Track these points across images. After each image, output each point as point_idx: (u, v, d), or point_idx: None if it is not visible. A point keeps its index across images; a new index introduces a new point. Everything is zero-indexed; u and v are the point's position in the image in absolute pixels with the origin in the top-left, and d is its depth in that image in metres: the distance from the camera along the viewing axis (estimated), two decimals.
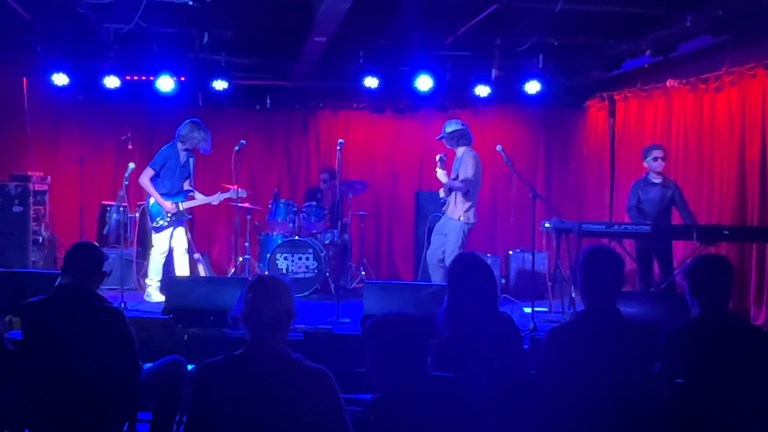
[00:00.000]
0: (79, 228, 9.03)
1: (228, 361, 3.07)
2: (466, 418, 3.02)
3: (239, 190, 8.36)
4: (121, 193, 7.73)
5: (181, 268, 8.18)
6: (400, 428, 2.99)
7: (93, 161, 10.33)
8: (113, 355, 4.05)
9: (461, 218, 7.81)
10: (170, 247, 8.17)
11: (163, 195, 8.00)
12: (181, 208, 8.11)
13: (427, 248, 8.13)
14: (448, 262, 7.81)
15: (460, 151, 7.97)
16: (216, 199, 8.43)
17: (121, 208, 8.94)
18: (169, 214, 8.03)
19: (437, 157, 7.88)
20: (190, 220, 8.58)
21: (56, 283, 4.18)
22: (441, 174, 7.86)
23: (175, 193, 8.09)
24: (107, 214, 9.57)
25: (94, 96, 10.00)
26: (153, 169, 8.01)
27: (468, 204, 7.83)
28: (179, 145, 8.06)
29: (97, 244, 4.54)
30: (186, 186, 8.24)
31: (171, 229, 8.13)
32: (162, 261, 8.15)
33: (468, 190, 7.82)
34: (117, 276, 7.94)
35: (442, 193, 8.10)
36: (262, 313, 3.07)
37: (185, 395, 4.51)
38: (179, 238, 8.22)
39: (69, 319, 4.03)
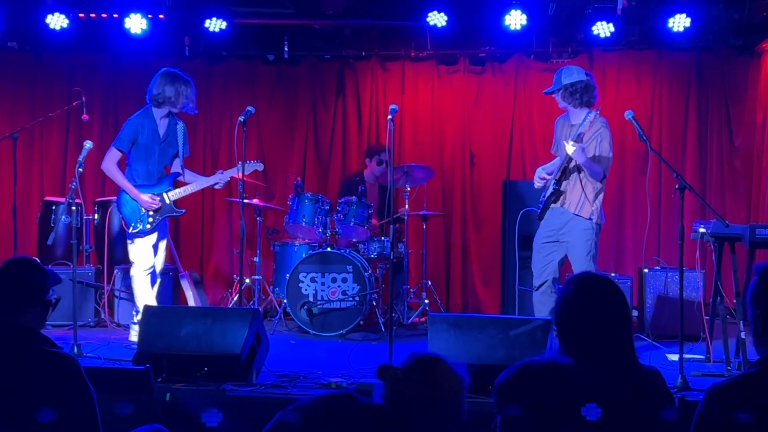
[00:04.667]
0: (11, 236, 9.13)
1: None
2: None
3: (255, 162, 8.42)
4: (72, 185, 7.74)
5: (147, 294, 8.09)
6: None
7: (32, 138, 10.48)
8: (64, 423, 4.07)
9: (593, 217, 7.69)
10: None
11: (139, 186, 7.99)
12: (167, 201, 8.06)
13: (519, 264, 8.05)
14: None
15: (581, 115, 7.78)
16: (219, 179, 8.26)
17: (74, 208, 8.95)
18: (150, 213, 7.99)
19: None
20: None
21: None
22: (572, 148, 7.51)
23: (156, 180, 8.09)
24: (53, 216, 9.66)
25: (32, 43, 10.15)
26: (119, 149, 8.01)
27: (601, 196, 7.71)
28: (155, 111, 8.05)
29: (38, 261, 4.57)
30: (174, 168, 8.23)
31: (155, 234, 8.07)
32: (148, 281, 8.08)
33: (604, 176, 7.72)
34: (67, 306, 7.99)
35: (537, 183, 7.98)
36: None
37: None
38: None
39: None
